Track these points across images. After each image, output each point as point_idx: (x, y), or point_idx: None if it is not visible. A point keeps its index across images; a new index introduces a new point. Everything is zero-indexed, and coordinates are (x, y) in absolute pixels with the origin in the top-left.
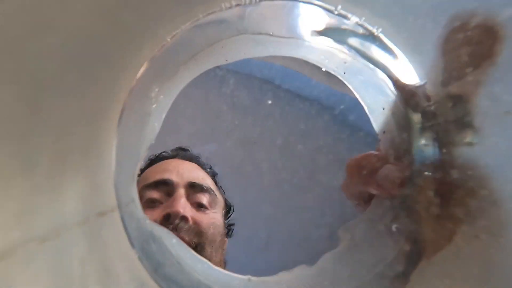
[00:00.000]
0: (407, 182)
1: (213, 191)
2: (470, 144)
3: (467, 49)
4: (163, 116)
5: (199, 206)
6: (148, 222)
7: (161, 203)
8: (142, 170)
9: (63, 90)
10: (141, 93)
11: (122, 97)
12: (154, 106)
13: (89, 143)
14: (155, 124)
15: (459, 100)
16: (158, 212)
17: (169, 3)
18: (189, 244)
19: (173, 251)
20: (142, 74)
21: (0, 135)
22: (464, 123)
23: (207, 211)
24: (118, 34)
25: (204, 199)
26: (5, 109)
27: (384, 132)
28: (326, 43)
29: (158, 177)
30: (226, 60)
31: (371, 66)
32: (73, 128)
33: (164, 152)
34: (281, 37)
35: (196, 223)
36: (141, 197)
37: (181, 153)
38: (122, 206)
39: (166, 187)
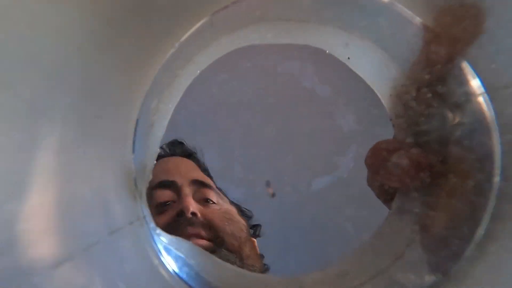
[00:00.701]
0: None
1: (210, 184)
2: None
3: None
4: (166, 124)
5: (206, 201)
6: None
7: (171, 202)
8: None
9: None
10: (144, 105)
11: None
12: (155, 116)
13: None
14: (158, 133)
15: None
16: (170, 212)
17: None
18: (208, 239)
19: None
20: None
21: None
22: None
23: (215, 205)
24: None
25: (210, 193)
26: None
27: (396, 116)
28: (329, 25)
29: (162, 177)
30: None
31: (376, 47)
32: None
33: (160, 148)
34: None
35: (206, 218)
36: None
37: (178, 150)
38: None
39: (172, 187)
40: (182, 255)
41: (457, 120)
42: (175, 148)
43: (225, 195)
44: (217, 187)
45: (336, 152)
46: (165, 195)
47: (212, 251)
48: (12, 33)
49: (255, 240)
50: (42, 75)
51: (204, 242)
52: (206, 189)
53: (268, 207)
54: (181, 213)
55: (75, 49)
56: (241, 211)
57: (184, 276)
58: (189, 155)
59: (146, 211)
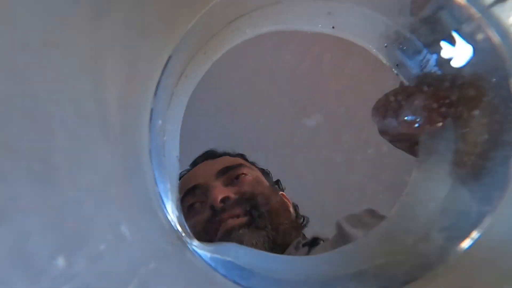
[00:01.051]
0: (444, 102)
1: (242, 163)
2: None
3: None
4: (178, 144)
5: (237, 178)
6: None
7: (200, 203)
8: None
9: None
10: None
11: None
12: (164, 138)
13: None
14: (173, 155)
15: None
16: (203, 211)
17: None
18: (244, 214)
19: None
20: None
21: None
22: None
23: (246, 176)
24: None
25: (238, 171)
26: None
27: (397, 65)
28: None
29: (185, 188)
30: None
31: (357, 6)
32: None
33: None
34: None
35: (238, 193)
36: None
37: (199, 159)
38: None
39: (196, 190)
40: (230, 259)
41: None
42: (196, 161)
43: (253, 164)
44: (246, 161)
45: None
46: (191, 198)
47: (249, 224)
48: None
49: (283, 193)
50: None
51: (240, 220)
52: (235, 170)
53: None
54: (212, 208)
55: None
56: (264, 173)
57: (236, 278)
58: (209, 155)
59: (185, 229)
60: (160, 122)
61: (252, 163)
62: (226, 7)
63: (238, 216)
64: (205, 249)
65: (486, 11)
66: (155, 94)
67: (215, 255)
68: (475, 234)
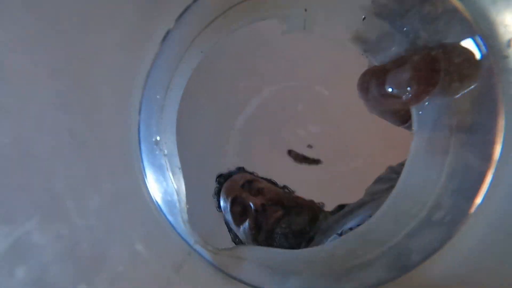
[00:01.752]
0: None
1: (255, 179)
2: None
3: None
4: (178, 163)
5: (258, 191)
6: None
7: (245, 215)
8: (219, 206)
9: None
10: (146, 137)
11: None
12: (166, 153)
13: None
14: (177, 169)
15: None
16: (250, 219)
17: None
18: (285, 214)
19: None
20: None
21: None
22: None
23: (265, 189)
24: None
25: (256, 185)
26: None
27: (381, 36)
28: None
29: (228, 203)
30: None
31: None
32: None
33: (215, 188)
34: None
35: (266, 200)
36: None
37: (221, 179)
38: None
39: (238, 203)
40: (246, 259)
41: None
42: (219, 180)
43: (259, 177)
44: (255, 175)
45: None
46: (236, 212)
47: (285, 215)
48: None
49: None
50: None
51: (280, 213)
52: (253, 183)
53: None
54: (255, 211)
55: None
56: (271, 182)
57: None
58: (229, 175)
59: (198, 238)
60: (158, 137)
61: (262, 177)
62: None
63: (277, 211)
64: (221, 253)
65: None
66: (142, 109)
67: (231, 257)
68: (482, 194)
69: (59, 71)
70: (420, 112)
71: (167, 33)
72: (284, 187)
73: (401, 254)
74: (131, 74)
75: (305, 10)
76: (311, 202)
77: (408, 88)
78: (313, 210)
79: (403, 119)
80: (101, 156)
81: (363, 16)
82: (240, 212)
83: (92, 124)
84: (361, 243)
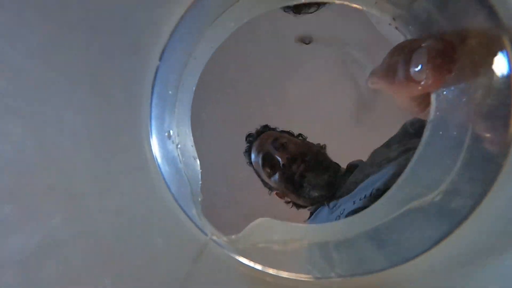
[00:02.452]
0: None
1: (279, 135)
2: None
3: None
4: (194, 153)
5: (283, 145)
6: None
7: (274, 167)
8: (250, 163)
9: None
10: (159, 132)
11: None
12: (179, 146)
13: None
14: (194, 160)
15: None
16: (278, 173)
17: None
18: (309, 168)
19: None
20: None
21: None
22: None
23: (287, 144)
24: None
25: (280, 140)
26: None
27: (394, 19)
28: None
29: (259, 160)
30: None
31: None
32: None
33: (246, 147)
34: None
35: (291, 154)
36: (265, 176)
37: (251, 138)
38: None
39: (268, 159)
40: (263, 245)
41: None
42: (250, 139)
43: (280, 131)
44: (277, 131)
45: None
46: (267, 168)
47: (309, 167)
48: None
49: (308, 141)
50: None
51: (303, 166)
52: (278, 140)
53: None
54: (283, 165)
55: None
56: (290, 133)
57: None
58: (258, 134)
59: (213, 229)
60: (171, 131)
61: (280, 130)
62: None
63: (299, 165)
64: (237, 241)
65: None
66: (154, 106)
67: (248, 246)
68: (497, 183)
69: (75, 76)
70: (438, 99)
71: (175, 27)
72: (299, 135)
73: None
74: (141, 72)
75: None
76: (320, 149)
77: (425, 73)
78: (331, 165)
79: (422, 106)
80: (117, 154)
81: (375, 1)
82: (270, 166)
83: (107, 125)
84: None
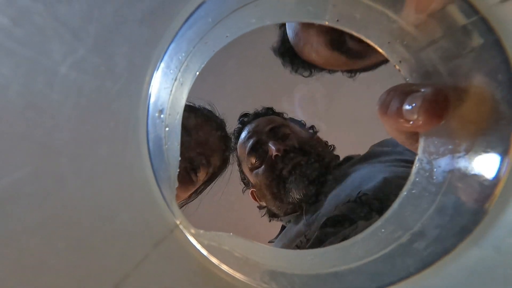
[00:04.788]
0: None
1: (284, 123)
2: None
3: None
4: (178, 139)
5: (285, 136)
6: (201, 233)
7: (262, 159)
8: (234, 148)
9: None
10: (152, 109)
11: None
12: (167, 129)
13: None
14: (175, 143)
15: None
16: (265, 165)
17: None
18: (303, 163)
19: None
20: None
21: None
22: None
23: (290, 135)
24: None
25: (283, 130)
26: None
27: (400, 61)
28: None
29: (248, 145)
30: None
31: (364, 1)
32: None
33: (236, 127)
34: None
35: (290, 146)
36: (247, 167)
37: (245, 118)
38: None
39: (258, 147)
40: (227, 248)
41: (467, 45)
42: (243, 119)
43: (287, 119)
44: (285, 119)
45: None
46: (253, 157)
47: (304, 164)
48: None
49: (317, 136)
50: None
51: (298, 160)
52: (280, 129)
53: None
54: (276, 156)
55: None
56: (300, 125)
57: (233, 267)
58: (255, 116)
59: (182, 217)
60: (164, 109)
61: (290, 118)
62: None
63: (293, 159)
64: (203, 236)
65: (498, 4)
66: (155, 83)
67: (212, 243)
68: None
69: (81, 32)
70: (426, 141)
71: (197, 7)
72: (312, 127)
73: (374, 274)
74: (150, 46)
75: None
76: (329, 150)
77: (416, 116)
78: (329, 161)
79: (410, 141)
80: (105, 120)
81: (388, 41)
82: (258, 156)
83: (101, 88)
84: (342, 255)
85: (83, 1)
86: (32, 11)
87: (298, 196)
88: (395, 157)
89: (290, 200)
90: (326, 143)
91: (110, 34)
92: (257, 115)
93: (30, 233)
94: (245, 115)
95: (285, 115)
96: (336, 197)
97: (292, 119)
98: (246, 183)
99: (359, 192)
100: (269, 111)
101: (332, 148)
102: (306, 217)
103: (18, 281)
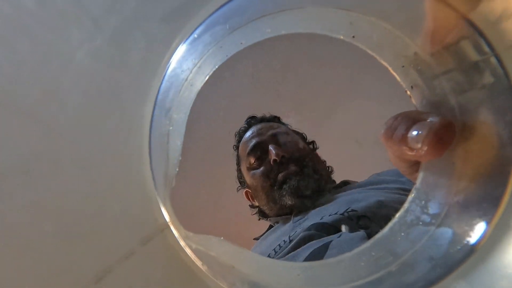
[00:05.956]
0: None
1: (287, 132)
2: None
3: None
4: (181, 139)
5: (285, 144)
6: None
7: (261, 161)
8: (237, 146)
9: None
10: (160, 106)
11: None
12: (171, 128)
13: None
14: (177, 143)
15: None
16: (263, 167)
17: None
18: (295, 168)
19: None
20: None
21: None
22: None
23: (292, 143)
24: None
25: (286, 138)
26: None
27: (412, 87)
28: (329, 7)
29: (250, 145)
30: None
31: (381, 21)
32: None
33: (242, 127)
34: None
35: (290, 154)
36: (245, 166)
37: (253, 121)
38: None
39: (259, 148)
40: (213, 254)
41: (478, 81)
42: (250, 121)
43: (292, 130)
44: (288, 128)
45: None
46: (253, 157)
47: (301, 173)
48: None
49: (317, 153)
50: None
51: (295, 169)
52: (283, 136)
53: None
54: (275, 161)
55: None
56: (302, 137)
57: (217, 274)
58: (262, 120)
59: (174, 217)
60: (171, 109)
61: (294, 131)
62: (249, 6)
63: (289, 171)
64: (191, 239)
65: None
66: (165, 81)
67: (199, 247)
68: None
69: (101, 21)
70: (426, 170)
71: (215, 11)
72: (312, 142)
73: None
74: (166, 44)
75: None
76: (326, 168)
77: (420, 146)
78: (325, 178)
79: (411, 170)
80: (112, 111)
81: (402, 65)
82: (258, 157)
83: (112, 80)
84: (330, 274)
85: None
86: None
87: (290, 202)
88: (397, 186)
89: (282, 204)
90: (324, 162)
91: (129, 27)
92: (263, 119)
93: (19, 211)
94: (253, 117)
95: (289, 126)
96: (324, 209)
97: (295, 131)
98: (242, 182)
99: (348, 208)
100: (275, 119)
101: (330, 169)
102: (294, 219)
103: (1, 257)
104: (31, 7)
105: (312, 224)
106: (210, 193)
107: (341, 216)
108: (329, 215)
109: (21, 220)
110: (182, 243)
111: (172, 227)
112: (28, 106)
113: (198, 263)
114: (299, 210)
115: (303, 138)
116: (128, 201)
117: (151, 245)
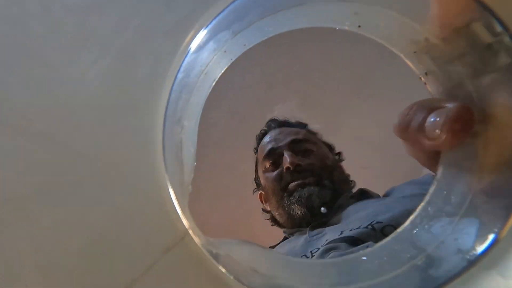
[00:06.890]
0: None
1: (310, 139)
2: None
3: None
4: (194, 145)
5: (306, 152)
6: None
7: (276, 166)
8: (256, 149)
9: None
10: (170, 116)
11: None
12: (183, 135)
13: None
14: (191, 149)
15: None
16: (277, 171)
17: None
18: (314, 184)
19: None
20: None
21: None
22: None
23: (314, 152)
24: None
25: (307, 145)
26: None
27: (426, 73)
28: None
29: (266, 149)
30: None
31: (387, 10)
32: None
33: (262, 130)
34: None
35: (307, 164)
36: (262, 169)
37: (273, 124)
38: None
39: (275, 154)
40: (235, 258)
41: (494, 63)
42: (271, 124)
43: (319, 138)
44: (311, 132)
45: None
46: (269, 161)
47: (316, 184)
48: None
49: (341, 164)
50: None
51: (309, 180)
52: (304, 143)
53: None
54: (288, 169)
55: None
56: (328, 146)
57: (240, 277)
58: (282, 124)
59: (193, 224)
60: (182, 116)
61: (322, 141)
62: (250, 7)
63: (304, 183)
64: (212, 244)
65: None
66: (174, 91)
67: (220, 252)
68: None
69: (109, 42)
70: (447, 160)
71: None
72: (339, 153)
73: None
74: (171, 55)
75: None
76: (348, 183)
77: (440, 133)
78: (341, 192)
79: (431, 162)
80: (124, 126)
81: (414, 51)
82: (273, 161)
83: (122, 96)
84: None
85: (113, 14)
86: (65, 21)
87: (298, 212)
88: (422, 192)
89: (291, 213)
90: (348, 176)
91: (135, 44)
92: (283, 123)
93: (45, 233)
94: (273, 120)
95: (318, 135)
96: (345, 225)
97: (323, 141)
98: (258, 184)
99: (373, 221)
100: (301, 125)
101: (353, 184)
102: (310, 233)
103: (31, 279)
104: (41, 33)
105: (334, 239)
106: (227, 197)
107: (364, 229)
108: (350, 230)
109: (48, 242)
110: (202, 249)
111: (192, 233)
112: (44, 129)
113: (220, 267)
114: (309, 223)
115: (330, 148)
116: (148, 213)
117: (173, 253)
